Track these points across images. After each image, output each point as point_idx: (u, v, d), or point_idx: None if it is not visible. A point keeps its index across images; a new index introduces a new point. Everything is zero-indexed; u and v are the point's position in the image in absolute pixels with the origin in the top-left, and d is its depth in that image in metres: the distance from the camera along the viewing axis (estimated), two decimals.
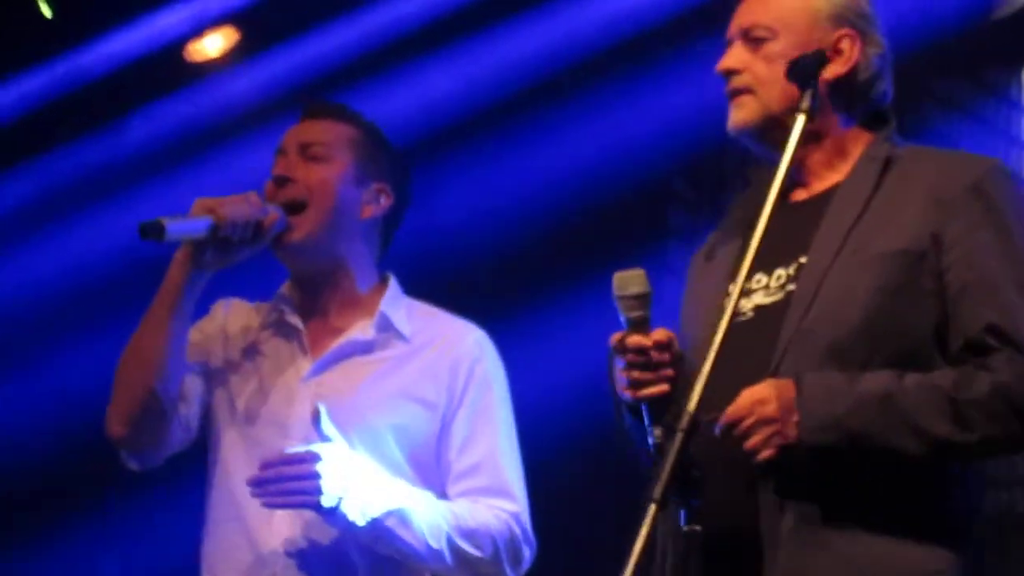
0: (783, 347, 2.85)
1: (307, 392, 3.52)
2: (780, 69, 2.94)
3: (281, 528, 3.44)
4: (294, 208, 3.54)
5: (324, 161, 3.59)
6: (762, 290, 2.94)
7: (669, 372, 2.84)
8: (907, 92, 3.20)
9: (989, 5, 4.77)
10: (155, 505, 5.39)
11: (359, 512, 3.35)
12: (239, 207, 3.45)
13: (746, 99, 2.99)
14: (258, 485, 3.34)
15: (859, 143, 3.00)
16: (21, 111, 5.81)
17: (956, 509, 2.84)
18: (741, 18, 3.04)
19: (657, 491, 2.59)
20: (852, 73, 2.99)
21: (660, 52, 5.19)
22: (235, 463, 3.52)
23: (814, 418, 2.74)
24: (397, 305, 3.62)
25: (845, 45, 2.99)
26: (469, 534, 3.46)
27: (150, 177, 5.59)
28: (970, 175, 2.89)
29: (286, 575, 3.43)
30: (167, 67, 5.68)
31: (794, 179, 3.00)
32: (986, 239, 2.84)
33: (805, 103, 2.85)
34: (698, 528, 2.71)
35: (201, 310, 3.59)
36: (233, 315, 3.67)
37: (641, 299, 2.84)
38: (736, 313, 2.85)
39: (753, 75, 2.99)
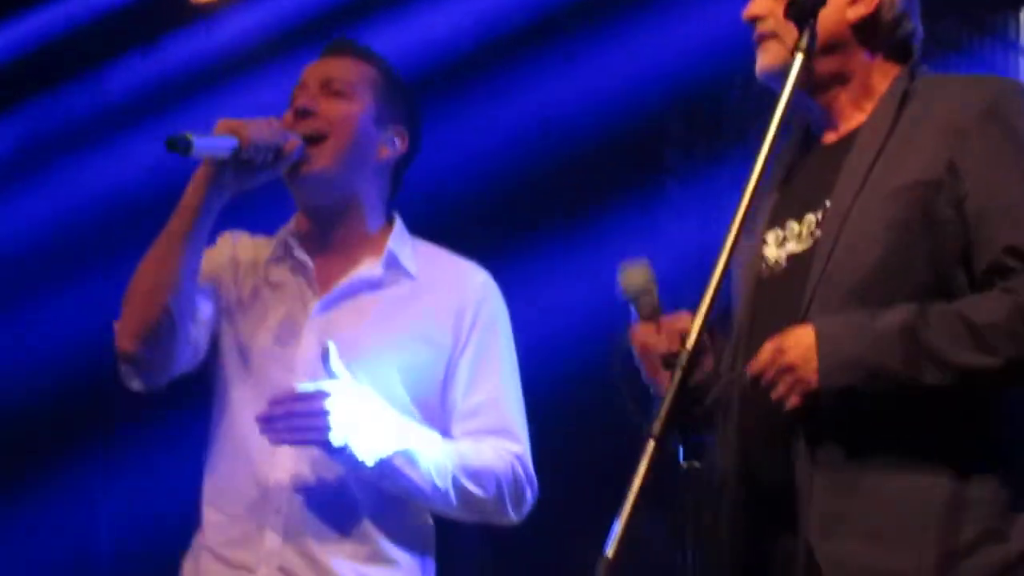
0: (810, 294, 2.83)
1: (314, 328, 3.53)
2: None
3: (286, 464, 3.45)
4: (313, 140, 3.54)
5: (346, 98, 3.59)
6: (795, 239, 2.94)
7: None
8: None
9: None
10: (152, 447, 5.41)
11: (368, 451, 3.37)
12: (263, 129, 3.45)
13: (771, 44, 2.98)
14: (266, 421, 3.35)
15: (886, 80, 2.98)
16: (15, 52, 5.82)
17: (998, 436, 2.80)
18: None
19: (656, 427, 2.59)
20: (876, 12, 2.97)
21: None
22: (240, 397, 3.53)
23: (832, 360, 2.73)
24: (404, 244, 3.64)
25: None
26: (474, 474, 3.48)
27: (148, 119, 5.60)
28: (983, 99, 2.86)
29: (290, 511, 3.45)
30: (168, 5, 5.67)
31: (824, 122, 3.01)
32: (1003, 162, 2.81)
33: (803, 42, 2.84)
34: (697, 464, 2.73)
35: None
36: (241, 247, 3.67)
37: (641, 293, 2.86)
38: (772, 265, 2.92)
39: (776, 20, 2.97)
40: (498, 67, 5.29)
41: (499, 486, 3.51)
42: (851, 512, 2.76)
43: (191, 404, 3.65)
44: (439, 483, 3.44)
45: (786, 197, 3.01)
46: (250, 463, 3.48)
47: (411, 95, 3.73)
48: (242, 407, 3.50)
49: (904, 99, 2.93)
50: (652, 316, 2.87)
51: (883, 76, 2.99)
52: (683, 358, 2.65)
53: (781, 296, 2.89)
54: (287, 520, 3.44)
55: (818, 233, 2.89)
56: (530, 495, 3.58)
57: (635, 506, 2.54)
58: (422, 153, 3.73)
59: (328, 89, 3.60)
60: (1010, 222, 2.78)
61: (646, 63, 5.18)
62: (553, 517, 3.93)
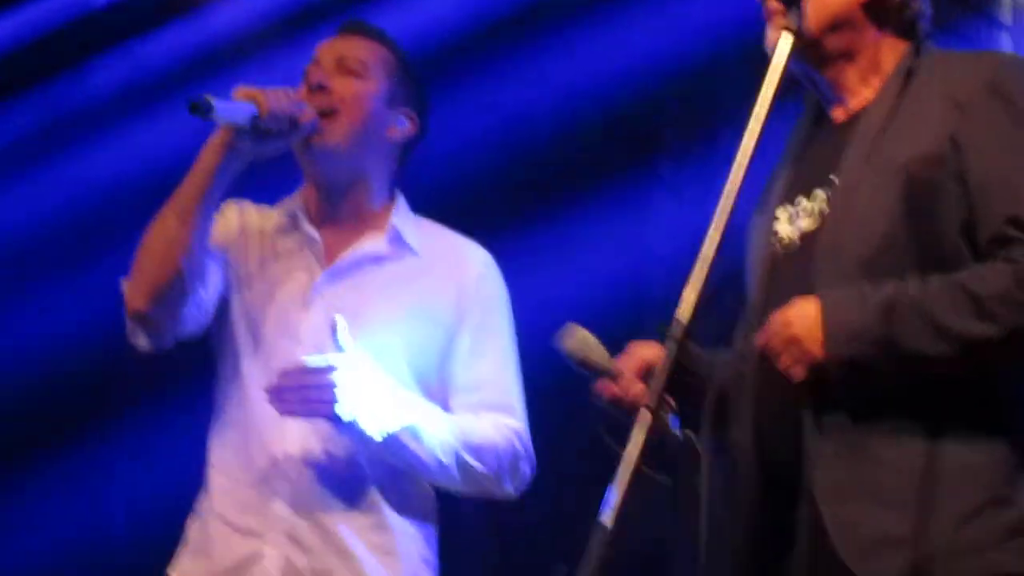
0: (818, 269, 2.86)
1: (320, 301, 3.58)
2: None
3: (294, 435, 3.50)
4: (326, 115, 3.59)
5: (360, 77, 3.65)
6: (806, 215, 2.96)
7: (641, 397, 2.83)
8: None
9: None
10: (154, 431, 5.44)
11: (374, 426, 3.42)
12: (280, 99, 3.50)
13: (780, 20, 2.95)
14: (275, 393, 3.40)
15: (893, 58, 3.00)
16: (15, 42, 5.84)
17: (1005, 402, 2.81)
18: None
19: (651, 398, 2.64)
20: None
21: None
22: (249, 366, 3.58)
23: (837, 332, 2.75)
24: (407, 220, 3.70)
25: None
26: (475, 449, 3.54)
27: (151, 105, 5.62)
28: (986, 73, 2.88)
29: (299, 480, 3.50)
30: None
31: (834, 99, 3.03)
32: (1005, 134, 2.83)
33: (791, 22, 2.86)
34: (691, 433, 2.77)
35: None
36: (247, 216, 3.72)
37: (582, 358, 2.97)
38: (785, 243, 2.94)
39: None
40: (493, 51, 5.28)
41: (499, 461, 3.56)
42: (858, 477, 2.77)
43: (187, 392, 3.68)
44: (443, 458, 3.49)
45: (798, 173, 3.03)
46: (259, 432, 3.52)
47: (421, 79, 3.79)
48: (251, 377, 3.55)
49: (909, 76, 2.95)
50: (605, 371, 2.95)
51: (891, 53, 3.00)
52: (676, 330, 2.68)
53: (794, 274, 2.90)
54: (295, 489, 3.49)
55: (827, 210, 2.92)
56: (528, 470, 3.63)
57: (632, 476, 2.58)
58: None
59: (342, 67, 3.65)
60: (1011, 193, 2.80)
61: (643, 45, 5.18)
62: (550, 495, 3.97)
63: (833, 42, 2.98)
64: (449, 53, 5.19)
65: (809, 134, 3.09)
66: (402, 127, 3.70)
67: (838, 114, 3.04)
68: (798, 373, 2.78)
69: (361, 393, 3.40)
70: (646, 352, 2.99)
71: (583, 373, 2.96)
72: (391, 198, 3.72)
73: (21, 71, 5.83)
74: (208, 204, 3.51)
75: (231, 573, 3.51)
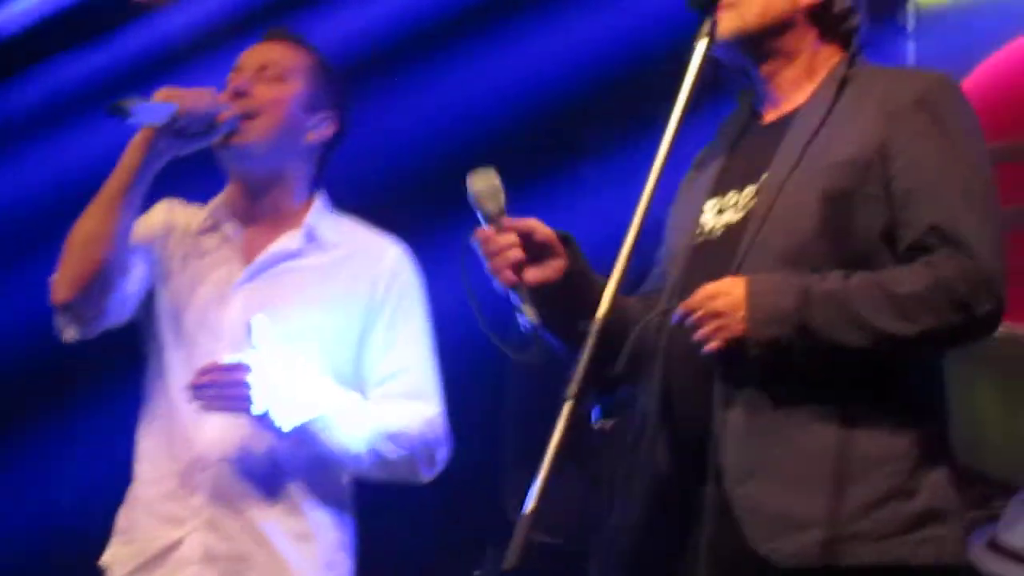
0: (740, 258, 2.95)
1: (239, 298, 3.70)
2: None
3: (215, 427, 3.61)
4: (247, 117, 3.69)
5: (280, 82, 3.76)
6: (731, 208, 3.05)
7: (518, 255, 2.95)
8: None
9: None
10: (98, 420, 5.46)
11: (285, 418, 3.53)
12: (199, 99, 3.60)
13: (727, 13, 3.07)
14: (195, 390, 3.51)
15: (827, 65, 3.12)
16: None
17: (913, 397, 2.93)
18: None
19: (571, 389, 2.70)
20: (828, 3, 3.12)
21: None
22: (171, 360, 3.69)
23: (760, 312, 2.84)
24: (323, 217, 3.80)
25: None
26: (390, 437, 3.64)
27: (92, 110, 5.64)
28: (917, 88, 2.99)
29: (218, 470, 3.61)
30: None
31: (767, 97, 3.14)
32: (930, 147, 2.94)
33: (705, 28, 2.97)
34: (609, 423, 2.84)
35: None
36: (176, 214, 3.82)
37: (486, 196, 3.00)
38: (708, 232, 3.04)
39: None
40: (422, 52, 5.36)
41: (412, 448, 3.66)
42: (769, 458, 2.86)
43: (111, 384, 3.75)
44: (355, 447, 3.60)
45: (728, 170, 3.13)
46: (182, 425, 3.63)
47: (342, 83, 3.89)
48: (173, 370, 3.67)
49: (843, 84, 3.07)
50: (497, 220, 2.99)
51: (826, 60, 3.13)
52: (597, 323, 2.76)
53: (714, 259, 2.99)
54: (216, 479, 3.60)
55: (753, 204, 3.01)
56: (443, 455, 3.73)
57: (553, 464, 2.63)
58: (350, 134, 3.88)
59: (263, 73, 3.76)
60: (934, 203, 2.90)
61: (565, 47, 5.24)
62: (469, 478, 4.02)
63: (774, 43, 3.11)
64: (376, 58, 5.25)
65: (741, 130, 3.19)
66: (321, 130, 3.80)
67: (770, 115, 3.16)
68: (713, 345, 2.87)
69: (273, 388, 3.51)
70: (538, 225, 3.03)
71: (478, 211, 3.00)
72: (311, 196, 3.83)
73: None
74: (130, 200, 3.62)
75: (155, 559, 3.62)
